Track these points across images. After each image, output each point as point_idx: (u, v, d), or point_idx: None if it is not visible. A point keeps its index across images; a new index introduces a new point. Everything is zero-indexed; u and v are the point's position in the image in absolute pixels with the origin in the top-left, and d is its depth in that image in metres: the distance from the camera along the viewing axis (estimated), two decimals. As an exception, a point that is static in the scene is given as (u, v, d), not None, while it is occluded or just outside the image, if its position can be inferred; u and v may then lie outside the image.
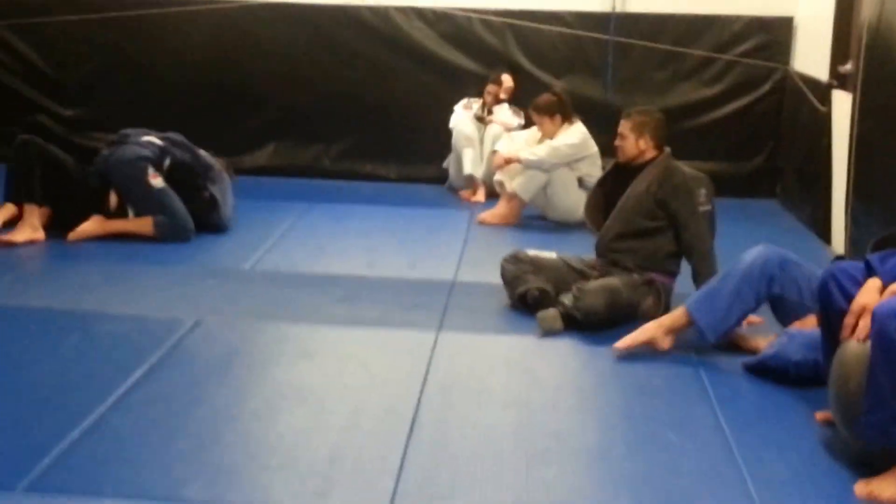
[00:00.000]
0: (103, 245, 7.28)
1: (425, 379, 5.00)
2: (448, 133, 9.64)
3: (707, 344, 5.39)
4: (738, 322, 5.41)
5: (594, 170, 8.19)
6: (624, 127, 6.31)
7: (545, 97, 8.57)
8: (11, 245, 7.10)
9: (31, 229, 7.26)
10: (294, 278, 6.72)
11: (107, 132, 9.30)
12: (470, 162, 9.40)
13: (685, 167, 6.38)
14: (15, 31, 10.26)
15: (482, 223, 8.40)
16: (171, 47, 10.18)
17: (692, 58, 9.90)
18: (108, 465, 3.98)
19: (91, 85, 10.28)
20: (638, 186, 6.20)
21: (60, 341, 5.35)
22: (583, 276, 6.14)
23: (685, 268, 6.13)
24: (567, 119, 8.46)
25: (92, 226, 7.40)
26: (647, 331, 5.46)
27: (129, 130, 7.78)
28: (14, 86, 10.32)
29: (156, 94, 10.11)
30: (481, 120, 9.57)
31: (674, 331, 5.46)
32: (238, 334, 5.60)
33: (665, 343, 5.44)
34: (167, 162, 7.60)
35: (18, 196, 7.42)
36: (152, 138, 7.70)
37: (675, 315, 5.47)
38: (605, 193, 6.45)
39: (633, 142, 6.27)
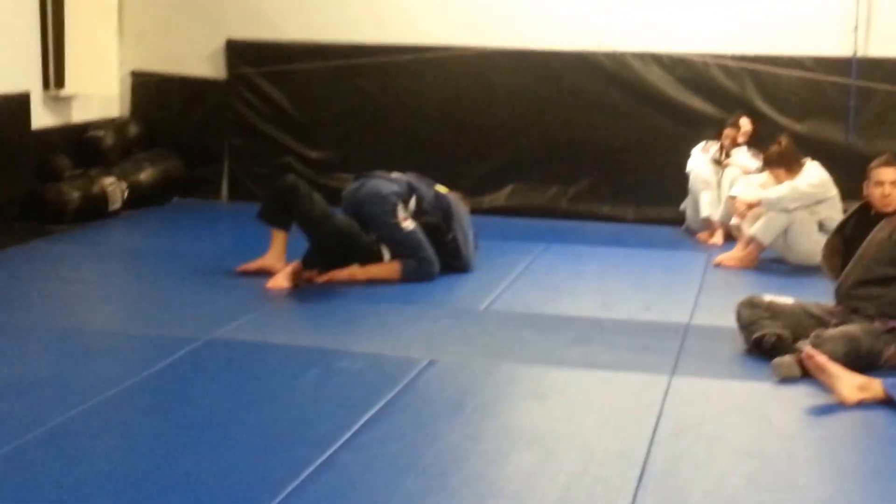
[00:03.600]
0: (343, 285, 7.44)
1: (657, 424, 4.95)
2: (685, 175, 9.58)
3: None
4: None
5: (834, 213, 8.01)
6: (895, 174, 6.13)
7: (773, 150, 8.47)
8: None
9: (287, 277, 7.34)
10: (528, 319, 6.76)
11: (350, 173, 9.56)
12: (707, 204, 9.31)
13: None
14: (267, 77, 10.66)
15: (719, 266, 8.30)
16: (411, 92, 10.43)
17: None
18: (339, 502, 4.06)
19: (336, 128, 10.59)
20: (880, 233, 6.05)
21: (298, 377, 5.51)
22: (821, 322, 5.99)
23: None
24: (798, 163, 8.31)
25: (341, 273, 7.53)
26: (840, 372, 5.28)
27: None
28: (265, 129, 10.72)
29: (397, 136, 10.35)
30: (719, 163, 9.47)
31: (866, 395, 5.25)
32: (470, 375, 5.66)
33: (852, 397, 5.22)
34: (413, 199, 7.75)
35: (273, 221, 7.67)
36: (399, 175, 7.86)
37: (874, 384, 5.27)
38: (845, 239, 6.30)
39: None
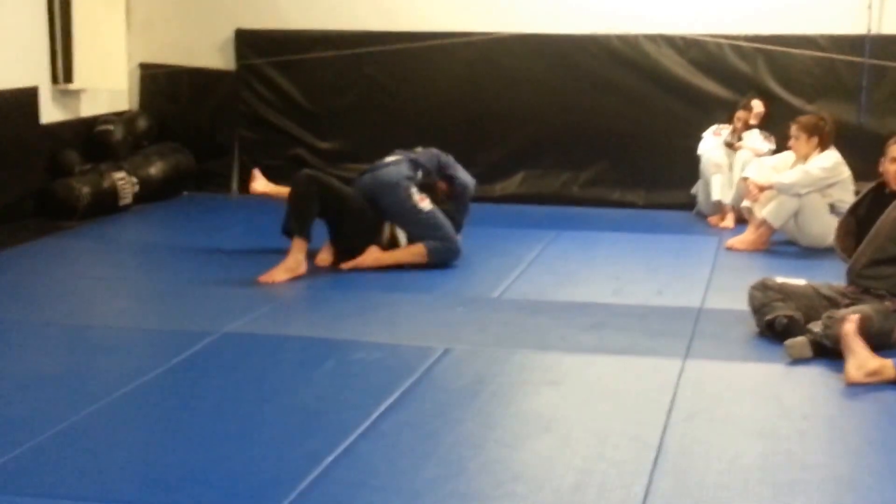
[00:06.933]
0: (356, 274, 7.50)
1: (671, 407, 4.99)
2: (696, 159, 9.59)
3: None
4: None
5: (846, 195, 8.03)
6: None
7: (811, 116, 8.51)
8: (273, 283, 7.26)
9: (294, 266, 7.34)
10: (541, 306, 6.79)
11: (361, 163, 9.62)
12: (718, 188, 9.32)
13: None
14: (276, 67, 10.69)
15: (730, 249, 8.33)
16: (422, 79, 10.45)
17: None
18: (359, 491, 4.10)
19: (346, 118, 10.61)
20: (893, 212, 6.04)
21: (316, 368, 5.55)
22: (833, 303, 6.02)
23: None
24: (823, 145, 8.31)
25: (367, 260, 7.60)
26: (858, 351, 5.32)
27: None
28: (276, 120, 10.74)
29: (408, 125, 10.34)
30: (731, 146, 9.47)
31: (875, 379, 5.28)
32: (486, 362, 5.69)
33: (855, 378, 5.27)
34: (420, 173, 7.83)
35: (290, 229, 7.45)
36: (397, 156, 7.93)
37: (886, 364, 5.30)
38: (858, 219, 6.31)
39: None
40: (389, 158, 7.94)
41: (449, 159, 8.08)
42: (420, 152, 8.04)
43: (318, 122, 10.68)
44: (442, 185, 7.95)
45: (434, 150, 8.10)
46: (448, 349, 5.81)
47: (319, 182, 7.58)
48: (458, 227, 7.86)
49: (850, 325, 5.40)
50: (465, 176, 8.06)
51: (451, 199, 7.94)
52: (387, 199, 7.66)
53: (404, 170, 7.74)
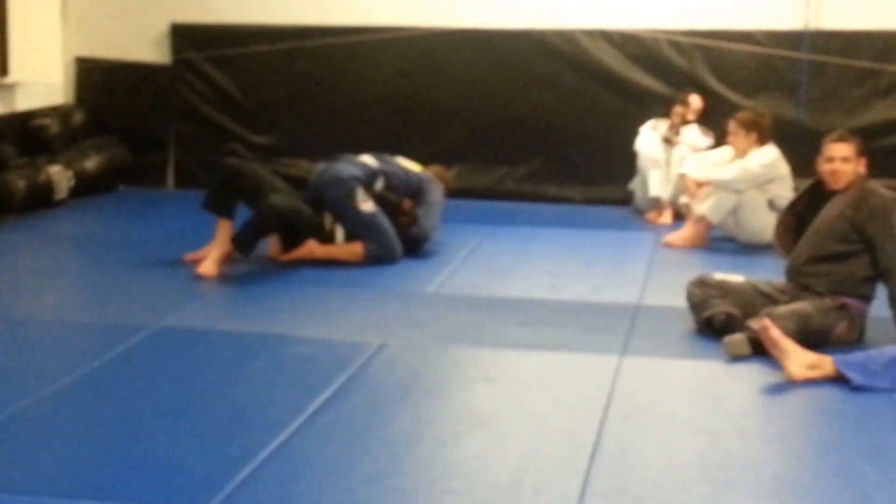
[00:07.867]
0: (291, 269, 7.43)
1: (608, 404, 4.96)
2: (634, 154, 9.58)
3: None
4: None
5: (785, 191, 8.05)
6: (846, 150, 6.10)
7: (750, 112, 8.53)
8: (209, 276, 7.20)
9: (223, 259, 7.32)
10: (477, 302, 6.75)
11: (296, 158, 9.54)
12: (656, 183, 9.33)
13: (883, 189, 6.16)
14: (212, 62, 10.58)
15: (668, 245, 8.32)
16: (358, 74, 10.38)
17: (890, 75, 9.63)
18: (294, 487, 4.05)
19: (282, 112, 10.53)
20: (832, 209, 6.06)
21: (250, 363, 5.48)
22: (772, 300, 6.02)
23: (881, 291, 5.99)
24: (762, 140, 8.32)
25: (302, 252, 7.59)
26: (791, 349, 5.33)
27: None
28: (211, 115, 10.64)
29: (343, 119, 10.32)
30: (669, 141, 9.48)
31: (816, 373, 5.28)
32: (421, 358, 5.65)
33: (799, 374, 5.26)
34: (380, 183, 7.77)
35: (244, 246, 7.36)
36: (367, 159, 7.88)
37: (825, 361, 5.30)
38: (797, 216, 6.31)
39: (854, 167, 6.10)
40: (362, 158, 7.92)
41: (430, 197, 7.96)
42: (401, 169, 7.98)
43: (253, 116, 10.60)
44: (408, 207, 7.88)
45: (425, 175, 8.03)
46: (383, 345, 5.75)
47: (287, 213, 7.48)
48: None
49: (772, 332, 5.38)
50: (428, 224, 7.92)
51: (407, 227, 7.86)
52: (330, 191, 7.66)
53: (356, 171, 7.72)
